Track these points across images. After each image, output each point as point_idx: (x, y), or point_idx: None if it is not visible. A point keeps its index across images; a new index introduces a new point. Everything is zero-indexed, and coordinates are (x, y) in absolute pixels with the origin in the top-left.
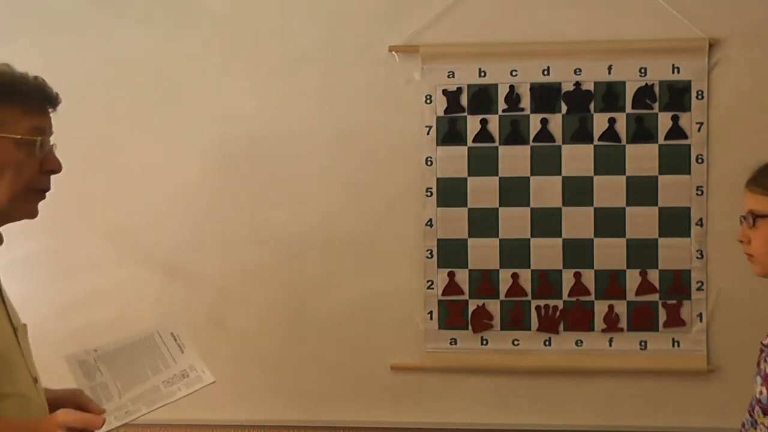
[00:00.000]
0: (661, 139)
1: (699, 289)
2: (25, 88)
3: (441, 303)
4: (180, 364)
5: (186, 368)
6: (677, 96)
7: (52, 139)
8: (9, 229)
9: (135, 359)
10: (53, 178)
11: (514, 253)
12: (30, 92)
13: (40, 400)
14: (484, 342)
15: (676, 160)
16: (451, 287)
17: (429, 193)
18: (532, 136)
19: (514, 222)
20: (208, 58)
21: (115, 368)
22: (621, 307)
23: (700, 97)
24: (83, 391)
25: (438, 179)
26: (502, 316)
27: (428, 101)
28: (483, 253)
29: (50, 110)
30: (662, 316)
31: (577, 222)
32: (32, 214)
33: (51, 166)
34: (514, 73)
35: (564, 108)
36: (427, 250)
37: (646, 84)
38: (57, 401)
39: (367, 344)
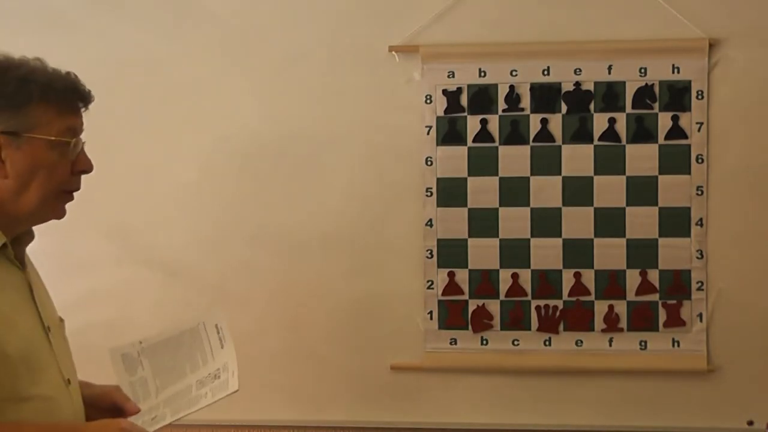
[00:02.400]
0: (661, 139)
1: (699, 289)
2: (59, 87)
3: (441, 303)
4: (216, 362)
5: (219, 367)
6: (677, 96)
7: (83, 137)
8: None
9: (177, 353)
10: None
11: (514, 253)
12: (64, 91)
13: (70, 402)
14: (484, 342)
15: (676, 160)
16: (451, 287)
17: (429, 193)
18: (532, 136)
19: (514, 222)
20: (208, 58)
21: (157, 363)
22: (621, 307)
23: (700, 97)
24: (120, 388)
25: (438, 179)
26: (502, 316)
27: (428, 101)
28: (483, 253)
29: (83, 109)
30: (662, 316)
31: (577, 222)
32: (60, 215)
33: (82, 166)
34: (514, 73)
35: (564, 108)
36: (427, 250)
37: (646, 84)
38: (94, 399)
39: (367, 344)
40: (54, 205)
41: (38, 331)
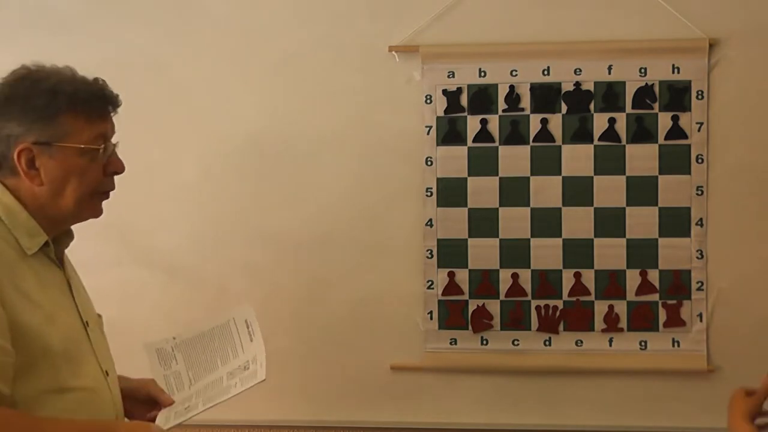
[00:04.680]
0: (661, 139)
1: (699, 289)
2: (86, 95)
3: (441, 303)
4: (246, 354)
5: (249, 359)
6: (677, 96)
7: (115, 138)
8: None
9: (209, 347)
10: None
11: (514, 253)
12: (90, 100)
13: (109, 393)
14: (484, 342)
15: (676, 160)
16: (451, 287)
17: (429, 193)
18: (532, 136)
19: (514, 222)
20: (208, 57)
21: (190, 357)
22: (621, 307)
23: (700, 97)
24: (155, 380)
25: (438, 179)
26: (502, 316)
27: (428, 101)
28: (483, 253)
29: (112, 113)
30: (662, 316)
31: (577, 222)
32: (97, 214)
33: (114, 168)
34: (514, 73)
35: (564, 108)
36: (427, 250)
37: (646, 84)
38: (131, 391)
39: (367, 344)
40: (90, 206)
41: (78, 326)
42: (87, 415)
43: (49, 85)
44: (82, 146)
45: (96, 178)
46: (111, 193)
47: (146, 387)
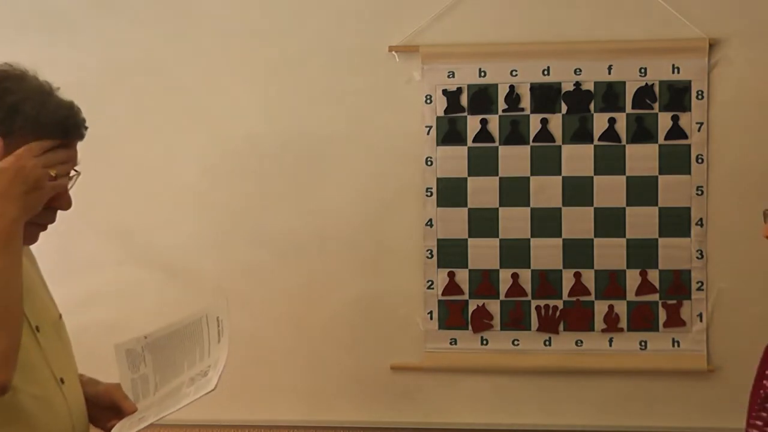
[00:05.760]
0: (661, 139)
1: (699, 289)
2: (47, 121)
3: (441, 303)
4: (211, 357)
5: (210, 364)
6: (677, 96)
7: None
8: None
9: (179, 348)
10: None
11: (514, 253)
12: (48, 126)
13: (64, 402)
14: (484, 342)
15: (676, 160)
16: (451, 287)
17: (429, 193)
18: (532, 136)
19: (514, 222)
20: (208, 58)
21: (158, 358)
22: (621, 307)
23: (700, 97)
24: (121, 385)
25: (438, 179)
26: (502, 316)
27: (428, 101)
28: (483, 253)
29: (76, 141)
30: (662, 316)
31: (577, 222)
32: (30, 242)
33: (58, 203)
34: (514, 73)
35: (564, 108)
36: (427, 250)
37: (646, 84)
38: (96, 397)
39: (367, 344)
40: (26, 233)
41: (25, 332)
42: (38, 425)
43: (12, 100)
44: None
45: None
46: (110, 193)
47: (110, 393)
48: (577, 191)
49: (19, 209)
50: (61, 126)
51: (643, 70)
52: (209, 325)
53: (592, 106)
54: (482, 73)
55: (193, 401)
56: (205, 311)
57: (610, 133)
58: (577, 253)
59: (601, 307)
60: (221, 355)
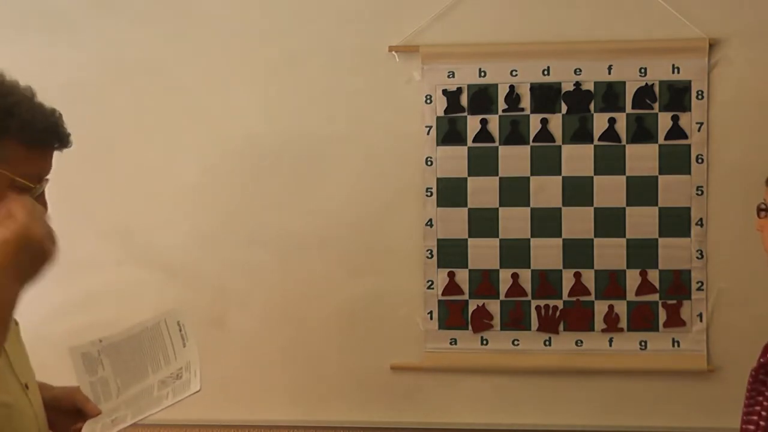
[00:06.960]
0: (661, 139)
1: (699, 289)
2: (41, 126)
3: (441, 303)
4: (179, 361)
5: (182, 366)
6: (677, 96)
7: (50, 176)
8: None
9: (139, 351)
10: (53, 180)
11: (514, 253)
12: (42, 132)
13: (30, 408)
14: (484, 342)
15: (676, 160)
16: (451, 287)
17: (429, 193)
18: (532, 136)
19: (514, 222)
20: (208, 58)
21: (117, 362)
22: (621, 307)
23: (700, 97)
24: (80, 388)
25: (438, 179)
26: (502, 316)
27: (428, 101)
28: (483, 253)
29: (57, 151)
30: (662, 316)
31: (577, 222)
32: None
33: None
34: (514, 73)
35: (564, 108)
36: (427, 250)
37: (646, 84)
38: (54, 401)
39: (367, 344)
40: None
41: None
42: None
43: (6, 103)
44: (17, 178)
45: None
46: (109, 193)
47: (71, 396)
48: (577, 191)
49: (22, 284)
50: (55, 133)
51: (643, 70)
52: (170, 329)
53: (592, 106)
54: (482, 73)
55: (177, 402)
56: (163, 316)
57: (610, 133)
58: (577, 253)
59: (601, 307)
60: (192, 357)
